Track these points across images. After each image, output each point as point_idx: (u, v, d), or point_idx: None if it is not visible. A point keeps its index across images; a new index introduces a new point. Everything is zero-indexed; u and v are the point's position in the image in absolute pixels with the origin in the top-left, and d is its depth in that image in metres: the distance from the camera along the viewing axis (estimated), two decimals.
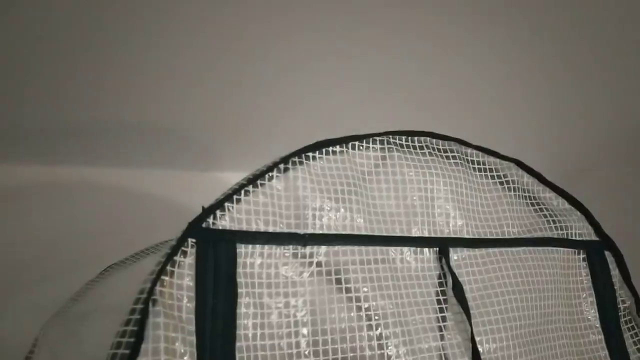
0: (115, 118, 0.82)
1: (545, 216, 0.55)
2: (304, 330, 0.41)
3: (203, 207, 0.40)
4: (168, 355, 0.34)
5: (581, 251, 0.55)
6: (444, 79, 0.81)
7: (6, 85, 0.73)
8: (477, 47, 0.76)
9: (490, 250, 0.50)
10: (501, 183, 0.54)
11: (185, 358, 0.35)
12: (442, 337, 0.45)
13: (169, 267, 0.37)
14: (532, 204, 0.55)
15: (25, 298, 0.80)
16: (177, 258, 0.38)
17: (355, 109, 0.85)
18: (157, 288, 0.36)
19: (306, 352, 0.41)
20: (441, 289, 0.47)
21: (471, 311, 0.46)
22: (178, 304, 0.37)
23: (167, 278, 0.37)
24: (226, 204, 0.41)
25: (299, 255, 0.43)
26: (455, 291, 0.46)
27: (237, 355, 0.38)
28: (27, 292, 0.81)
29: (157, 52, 0.72)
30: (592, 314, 0.54)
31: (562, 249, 0.54)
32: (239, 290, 0.39)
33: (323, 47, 0.74)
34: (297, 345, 0.41)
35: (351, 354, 0.42)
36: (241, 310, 0.39)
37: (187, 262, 0.38)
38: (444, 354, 0.45)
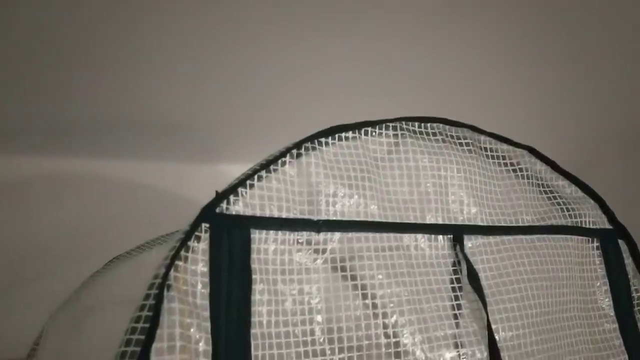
0: (117, 110, 0.81)
1: (558, 204, 0.55)
2: (319, 318, 0.41)
3: (217, 192, 0.39)
4: (183, 341, 0.34)
5: (595, 239, 0.55)
6: (445, 77, 0.80)
7: (7, 78, 0.72)
8: (477, 43, 0.75)
9: (505, 237, 0.49)
10: (514, 170, 0.53)
11: (201, 344, 0.35)
12: (457, 325, 0.45)
13: (182, 253, 0.36)
14: (545, 192, 0.55)
15: (28, 291, 0.80)
16: (191, 243, 0.37)
17: (359, 97, 0.84)
18: (172, 273, 0.35)
19: (321, 340, 0.40)
20: (456, 276, 0.46)
21: (486, 299, 0.45)
22: (192, 289, 0.36)
23: (181, 263, 0.36)
24: (239, 189, 0.40)
25: (313, 242, 0.42)
26: (470, 279, 0.46)
27: (252, 342, 0.37)
28: (31, 285, 0.80)
29: (160, 46, 0.71)
30: (606, 302, 0.54)
31: (575, 237, 0.54)
32: (253, 276, 0.39)
33: (326, 43, 0.74)
34: (312, 332, 0.40)
35: (366, 342, 0.42)
36: (255, 296, 0.38)
37: (200, 247, 0.37)
38: (460, 341, 0.44)
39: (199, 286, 0.36)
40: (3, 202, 0.83)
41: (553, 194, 0.55)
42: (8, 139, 0.82)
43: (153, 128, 0.86)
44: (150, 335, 0.32)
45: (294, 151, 0.43)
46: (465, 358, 0.43)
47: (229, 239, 0.38)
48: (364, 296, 0.42)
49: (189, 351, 0.34)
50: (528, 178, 0.54)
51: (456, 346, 0.44)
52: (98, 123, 0.82)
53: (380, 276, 0.43)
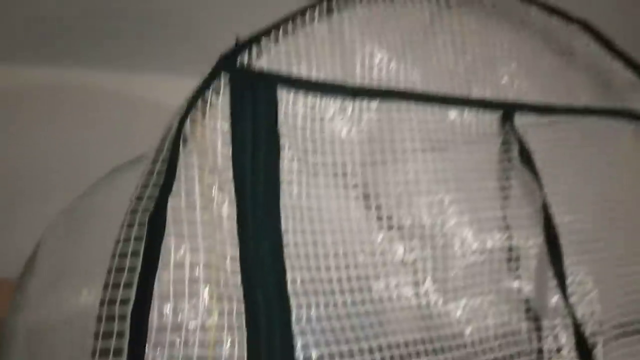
0: (118, 18, 0.74)
1: (613, 87, 0.49)
2: (355, 194, 0.36)
3: (237, 40, 0.33)
4: (204, 200, 0.29)
5: None
6: None
7: None
8: None
9: (559, 117, 0.44)
10: (567, 47, 0.47)
11: (225, 206, 0.30)
12: (508, 207, 0.40)
13: (200, 105, 0.31)
14: (600, 73, 0.49)
15: (24, 208, 0.75)
16: (209, 97, 0.31)
17: None
18: (187, 127, 0.30)
19: (358, 216, 0.35)
20: (506, 156, 0.41)
21: (541, 181, 0.40)
22: (212, 148, 0.31)
23: (198, 117, 0.31)
24: (263, 41, 0.34)
25: (348, 110, 0.37)
26: (522, 158, 0.40)
27: (282, 214, 0.32)
28: (27, 201, 0.76)
29: None
30: None
31: (633, 122, 0.48)
32: (281, 141, 0.33)
33: None
34: (347, 209, 0.35)
35: (409, 221, 0.37)
36: (284, 165, 0.33)
37: (220, 102, 0.32)
38: (509, 224, 0.39)
39: (220, 145, 0.31)
40: (6, 113, 0.78)
41: (608, 76, 0.49)
42: (3, 48, 0.76)
43: (155, 38, 0.79)
44: (165, 187, 0.27)
45: (324, 5, 0.37)
46: (517, 241, 0.39)
47: (253, 97, 0.33)
48: (405, 172, 0.37)
49: (210, 213, 0.29)
50: (581, 56, 0.48)
51: (507, 228, 0.39)
52: (99, 30, 0.76)
53: (422, 151, 0.38)
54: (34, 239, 0.58)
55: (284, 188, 0.33)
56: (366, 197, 0.36)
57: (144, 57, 0.82)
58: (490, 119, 0.41)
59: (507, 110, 0.42)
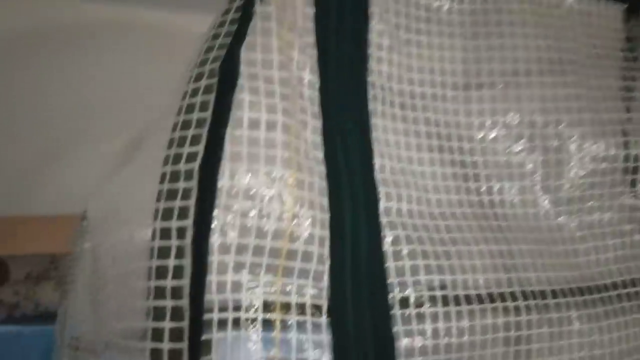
0: None
1: None
2: (452, 80, 0.30)
3: None
4: (283, 58, 0.24)
5: None
6: None
7: None
8: None
9: None
10: None
11: (307, 71, 0.25)
12: (631, 110, 0.34)
13: None
14: None
15: (98, 142, 0.74)
16: None
17: None
18: None
19: (456, 108, 0.30)
20: (631, 54, 0.35)
21: None
22: (292, 4, 0.26)
23: None
24: None
25: None
26: None
27: (370, 92, 0.27)
28: (99, 136, 0.74)
29: None
30: None
31: None
32: (370, 9, 0.28)
33: None
34: (443, 98, 0.30)
35: (516, 118, 0.31)
36: (372, 37, 0.28)
37: None
38: (634, 130, 0.33)
39: (301, 2, 0.26)
40: (71, 48, 0.77)
41: None
42: None
43: None
44: (240, 34, 0.23)
45: None
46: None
47: None
48: (515, 60, 0.32)
49: (290, 73, 0.25)
50: None
51: (631, 134, 0.33)
52: None
53: (534, 37, 0.32)
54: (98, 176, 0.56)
55: (371, 66, 0.28)
56: (467, 86, 0.31)
57: None
58: (614, 11, 0.35)
59: (634, 2, 0.35)
